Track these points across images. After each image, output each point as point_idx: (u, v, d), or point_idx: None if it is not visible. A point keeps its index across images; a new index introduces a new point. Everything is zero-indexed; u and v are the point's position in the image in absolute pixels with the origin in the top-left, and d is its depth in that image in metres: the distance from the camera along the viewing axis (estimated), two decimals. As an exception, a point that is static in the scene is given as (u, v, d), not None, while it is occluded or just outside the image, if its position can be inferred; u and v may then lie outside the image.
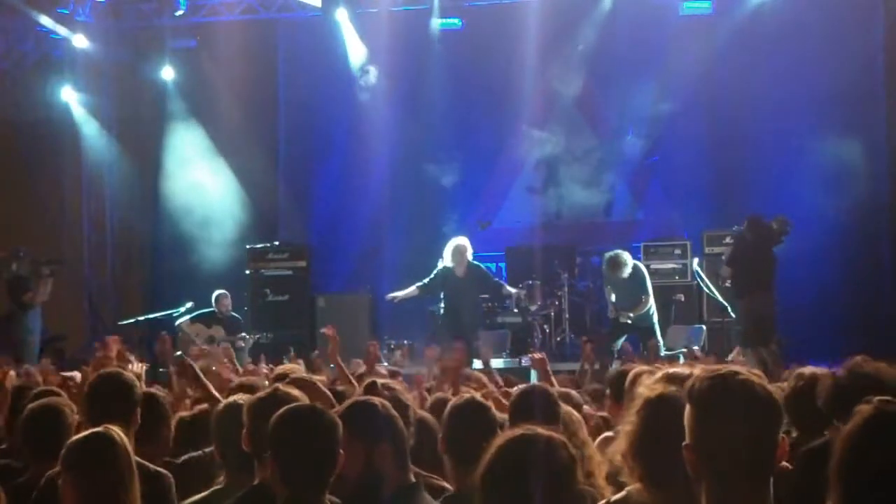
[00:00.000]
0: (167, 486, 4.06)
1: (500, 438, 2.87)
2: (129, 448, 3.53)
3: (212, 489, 3.95)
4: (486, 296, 13.68)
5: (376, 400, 3.64)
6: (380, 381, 4.49)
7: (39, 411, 4.57)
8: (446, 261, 12.45)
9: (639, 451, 2.87)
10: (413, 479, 3.55)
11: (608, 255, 12.22)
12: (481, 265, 12.92)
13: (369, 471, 3.40)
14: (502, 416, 4.25)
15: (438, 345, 12.14)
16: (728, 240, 12.24)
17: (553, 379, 6.35)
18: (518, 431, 2.87)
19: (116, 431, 3.55)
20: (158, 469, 4.09)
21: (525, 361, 11.56)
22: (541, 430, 2.87)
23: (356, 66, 15.05)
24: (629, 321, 12.05)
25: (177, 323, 13.43)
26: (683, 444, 2.45)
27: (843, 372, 4.09)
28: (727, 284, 12.74)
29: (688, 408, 2.47)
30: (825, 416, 3.94)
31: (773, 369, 7.34)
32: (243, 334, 13.38)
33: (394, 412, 3.58)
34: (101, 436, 3.50)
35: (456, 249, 12.39)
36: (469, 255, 12.49)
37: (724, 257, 11.93)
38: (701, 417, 2.42)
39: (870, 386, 3.85)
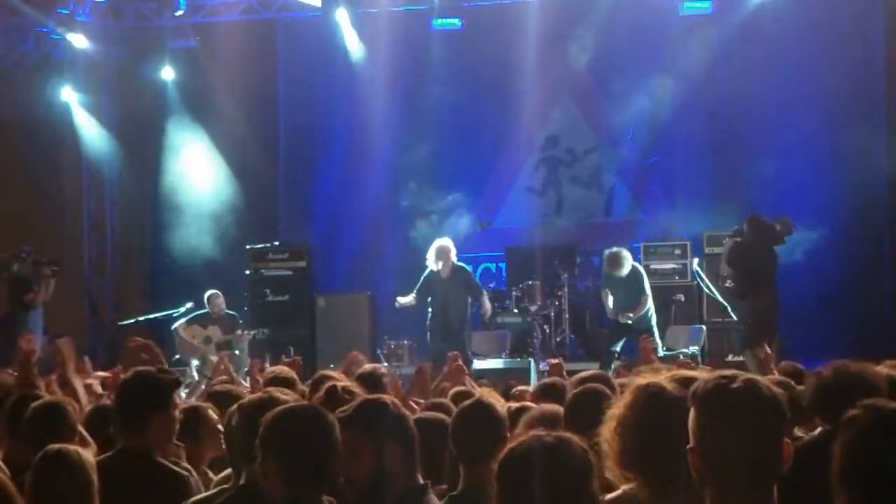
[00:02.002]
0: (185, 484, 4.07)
1: (515, 441, 2.88)
2: (90, 467, 3.54)
3: (217, 489, 3.95)
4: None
5: (387, 398, 3.61)
6: (339, 384, 4.46)
7: (42, 409, 4.58)
8: (430, 263, 12.47)
9: (622, 437, 2.88)
10: (421, 481, 3.52)
11: (608, 252, 12.24)
12: (467, 268, 12.90)
13: (378, 471, 3.37)
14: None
15: (431, 348, 12.25)
16: (726, 241, 12.15)
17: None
18: (533, 434, 2.86)
19: (76, 450, 3.56)
20: (175, 469, 4.10)
21: (543, 366, 11.58)
22: (557, 433, 2.86)
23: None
24: (629, 321, 12.06)
25: (173, 327, 13.44)
26: (688, 447, 2.45)
27: (827, 371, 4.09)
28: (727, 284, 12.76)
29: (692, 411, 2.47)
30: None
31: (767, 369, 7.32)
32: (240, 332, 13.39)
33: (404, 411, 3.56)
34: (60, 456, 3.50)
35: (438, 250, 12.40)
36: (453, 257, 12.48)
37: (723, 254, 11.86)
38: (705, 421, 2.42)
39: (854, 386, 3.87)
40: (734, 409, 2.39)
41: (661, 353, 11.99)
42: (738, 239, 11.58)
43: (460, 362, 6.69)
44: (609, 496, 2.93)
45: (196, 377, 12.31)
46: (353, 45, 15.02)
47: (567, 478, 2.73)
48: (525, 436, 2.86)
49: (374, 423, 3.42)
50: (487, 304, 12.70)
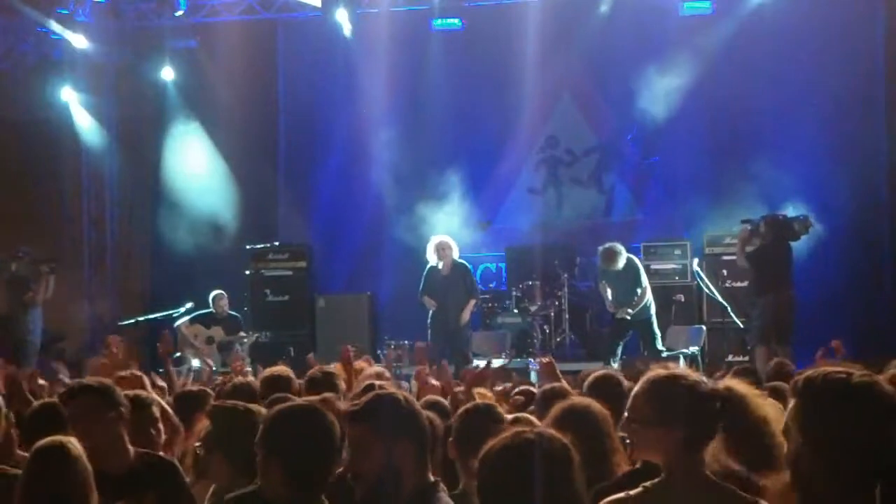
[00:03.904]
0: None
1: (497, 438, 2.87)
2: (85, 459, 3.55)
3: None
4: (487, 296, 13.74)
5: (400, 394, 3.58)
6: (377, 383, 4.48)
7: (40, 411, 4.60)
8: (430, 259, 12.52)
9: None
10: (432, 479, 3.50)
11: (601, 248, 12.20)
12: (468, 265, 12.92)
13: (389, 467, 3.35)
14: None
15: (432, 345, 12.24)
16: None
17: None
18: (515, 430, 2.86)
19: (72, 442, 3.56)
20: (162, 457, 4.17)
21: (533, 365, 11.56)
22: (539, 429, 2.86)
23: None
24: (628, 317, 12.02)
25: (175, 324, 13.42)
26: (800, 443, 2.46)
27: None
28: (727, 284, 12.78)
29: (797, 405, 2.48)
30: None
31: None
32: (242, 333, 13.39)
33: (417, 407, 3.53)
34: (56, 447, 3.51)
35: (437, 246, 12.49)
36: (453, 253, 12.54)
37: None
38: (824, 414, 2.44)
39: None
40: (858, 404, 2.41)
41: (661, 348, 12.01)
42: (751, 228, 11.60)
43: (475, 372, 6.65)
44: (634, 491, 2.94)
45: (194, 376, 12.29)
46: (353, 45, 15.02)
47: (549, 473, 2.72)
48: (507, 432, 2.85)
49: (386, 418, 3.39)
50: (467, 312, 12.64)
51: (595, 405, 4.10)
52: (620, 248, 12.07)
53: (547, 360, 6.61)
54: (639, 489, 2.93)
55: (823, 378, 2.47)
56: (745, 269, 11.95)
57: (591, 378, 5.07)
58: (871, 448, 2.40)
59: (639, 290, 12.04)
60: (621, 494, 2.97)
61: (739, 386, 3.12)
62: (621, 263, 11.97)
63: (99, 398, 4.15)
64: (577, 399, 4.37)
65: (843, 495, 2.41)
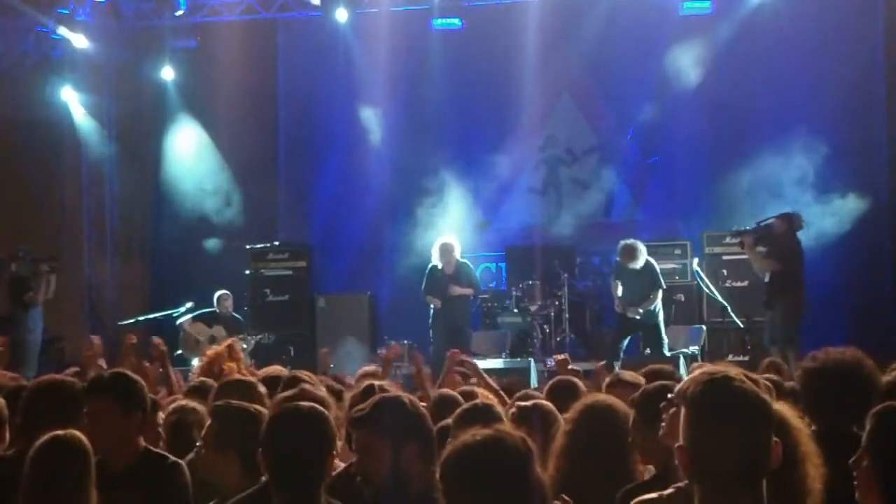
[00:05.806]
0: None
1: (455, 440, 2.85)
2: (90, 452, 3.56)
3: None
4: (486, 296, 13.75)
5: (405, 397, 3.60)
6: (377, 383, 4.49)
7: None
8: (434, 259, 12.54)
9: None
10: None
11: (623, 242, 12.05)
12: (469, 264, 12.95)
13: (396, 470, 3.36)
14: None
15: (433, 344, 12.27)
16: (730, 239, 12.01)
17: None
18: (471, 432, 2.83)
19: (78, 436, 3.57)
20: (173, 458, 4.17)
21: (550, 363, 11.53)
22: (496, 427, 2.85)
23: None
24: (637, 317, 11.96)
25: (178, 322, 13.43)
26: (676, 445, 2.47)
27: (820, 356, 4.11)
28: (727, 285, 12.78)
29: (682, 410, 2.49)
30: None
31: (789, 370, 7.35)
32: (245, 335, 13.38)
33: (422, 410, 3.55)
34: (62, 440, 3.52)
35: (443, 248, 12.52)
36: (457, 254, 12.57)
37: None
38: (694, 420, 2.45)
39: (844, 373, 3.90)
40: (722, 409, 2.42)
41: (666, 351, 11.99)
42: (750, 233, 11.60)
43: (459, 365, 6.67)
44: (666, 492, 2.94)
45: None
46: (353, 45, 15.02)
47: (506, 471, 2.70)
48: (463, 434, 2.83)
49: (392, 421, 3.41)
50: (460, 290, 12.62)
51: (617, 403, 4.07)
52: (642, 246, 12.00)
53: (562, 357, 6.61)
54: (671, 490, 2.93)
55: (692, 384, 2.48)
56: (771, 270, 11.71)
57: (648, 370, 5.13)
58: (742, 451, 2.40)
59: (653, 292, 11.93)
60: (654, 495, 2.98)
61: (787, 412, 3.04)
62: (640, 262, 11.91)
63: (119, 397, 4.15)
64: (599, 396, 4.35)
65: (722, 497, 2.41)
